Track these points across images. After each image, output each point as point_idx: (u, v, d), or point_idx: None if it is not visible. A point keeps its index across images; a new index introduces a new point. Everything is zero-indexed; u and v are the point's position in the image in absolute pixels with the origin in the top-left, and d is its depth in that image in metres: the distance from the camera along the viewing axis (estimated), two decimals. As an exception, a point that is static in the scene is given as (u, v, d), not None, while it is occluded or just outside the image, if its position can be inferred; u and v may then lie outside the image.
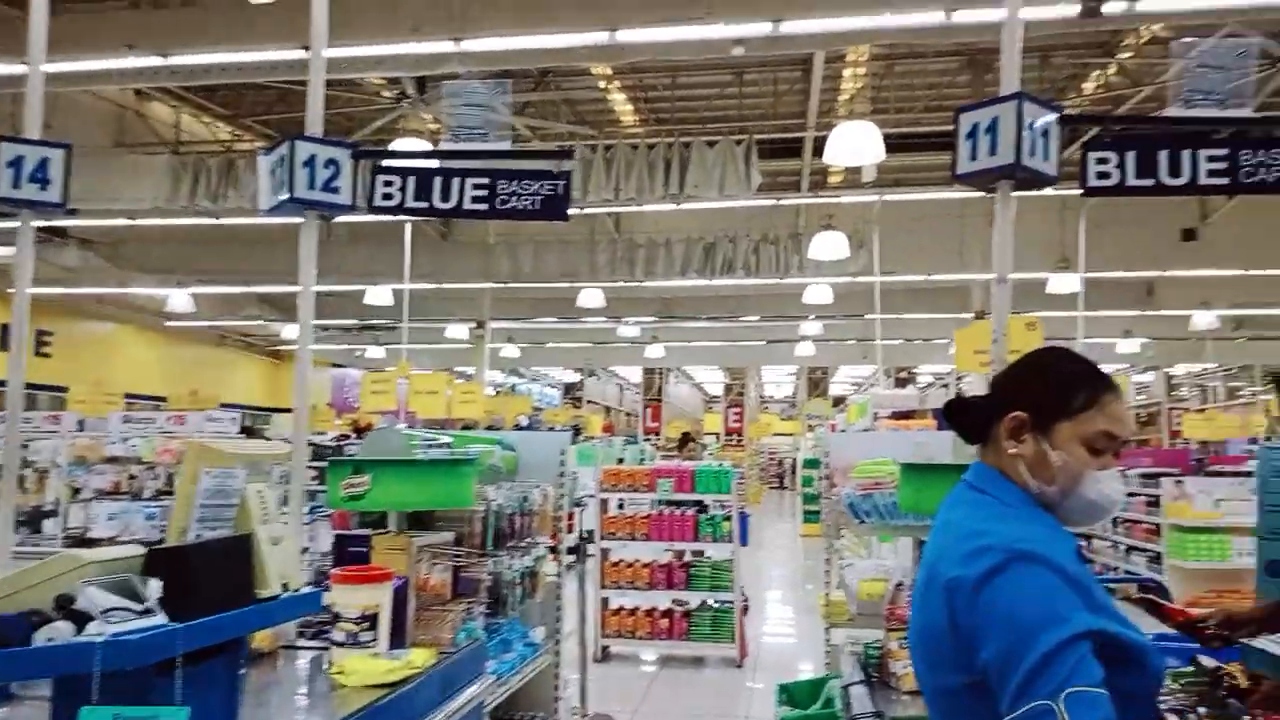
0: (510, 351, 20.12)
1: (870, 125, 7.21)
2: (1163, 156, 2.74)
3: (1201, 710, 2.00)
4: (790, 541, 16.74)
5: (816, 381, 27.56)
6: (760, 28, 7.42)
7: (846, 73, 12.35)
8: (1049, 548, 1.39)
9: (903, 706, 2.39)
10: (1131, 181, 2.77)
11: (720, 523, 7.05)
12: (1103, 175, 2.79)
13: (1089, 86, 12.25)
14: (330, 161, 3.16)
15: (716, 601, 7.17)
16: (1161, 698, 1.97)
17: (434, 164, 3.55)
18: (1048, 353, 1.63)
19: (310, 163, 3.12)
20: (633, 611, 7.17)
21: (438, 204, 3.31)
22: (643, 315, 18.53)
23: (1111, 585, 10.12)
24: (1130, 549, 10.11)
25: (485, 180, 3.32)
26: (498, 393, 21.20)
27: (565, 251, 15.90)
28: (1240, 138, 2.86)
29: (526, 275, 15.75)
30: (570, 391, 25.59)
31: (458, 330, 18.31)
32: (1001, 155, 2.61)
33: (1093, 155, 2.80)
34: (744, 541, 9.15)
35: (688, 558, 7.27)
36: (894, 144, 10.55)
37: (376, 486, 3.01)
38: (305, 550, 3.76)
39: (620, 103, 13.53)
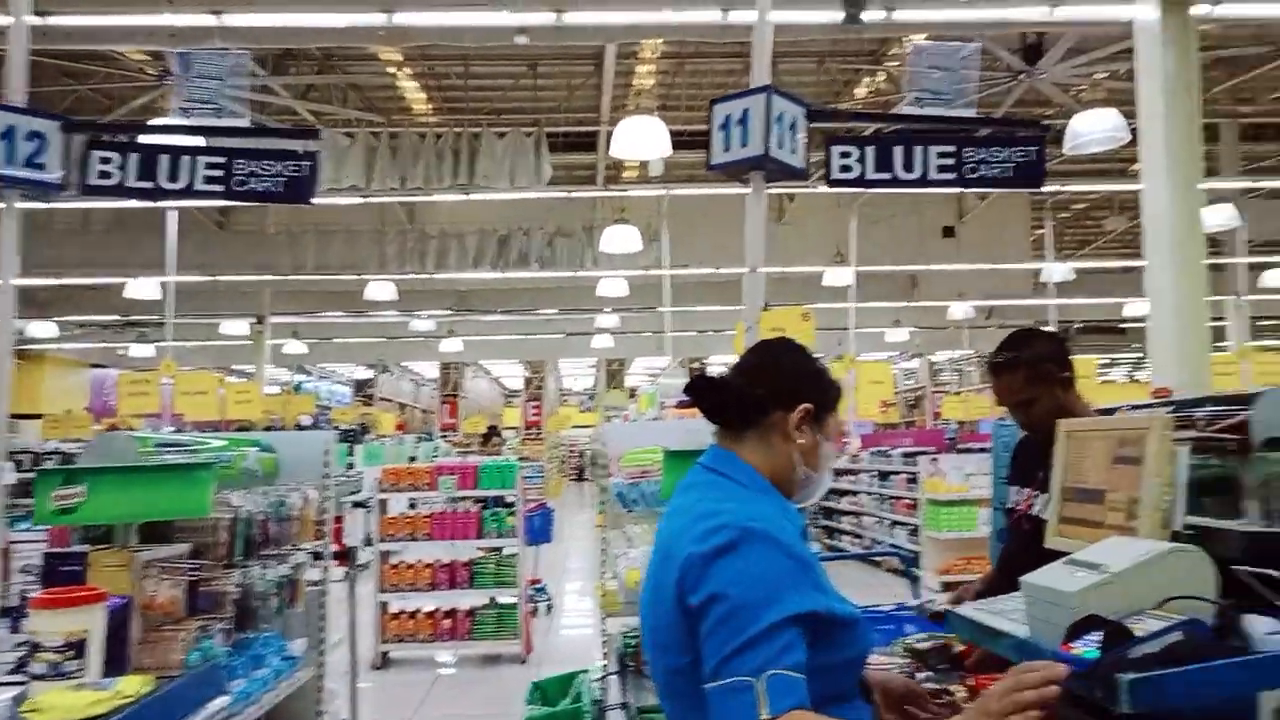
0: (295, 348, 19.10)
1: (656, 120, 7.30)
2: (898, 153, 2.91)
3: (920, 675, 2.12)
4: (588, 533, 16.88)
5: (614, 373, 27.93)
6: (544, 17, 7.36)
7: (639, 69, 12.52)
8: (779, 528, 1.45)
9: (653, 694, 2.40)
10: (871, 175, 2.92)
11: (505, 518, 6.95)
12: (845, 169, 2.92)
13: (860, 92, 13.02)
14: (34, 134, 2.81)
15: (502, 599, 7.07)
16: (884, 666, 2.08)
17: (170, 140, 3.24)
18: (798, 347, 1.71)
19: (9, 134, 2.76)
20: (413, 615, 6.94)
21: (165, 185, 3.01)
22: (437, 309, 18.07)
23: (876, 559, 10.87)
24: (894, 523, 10.88)
25: (220, 159, 3.06)
26: (281, 391, 20.07)
27: (352, 242, 15.24)
28: (965, 137, 3.07)
29: (310, 267, 14.98)
30: (362, 389, 24.62)
31: (236, 326, 17.16)
32: (752, 147, 2.67)
33: (835, 150, 2.93)
34: (547, 538, 9.08)
35: (473, 555, 7.13)
36: (684, 140, 10.80)
37: (94, 497, 2.71)
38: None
39: (411, 90, 13.10)
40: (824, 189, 12.57)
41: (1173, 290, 6.63)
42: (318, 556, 4.36)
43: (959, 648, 2.24)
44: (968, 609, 1.84)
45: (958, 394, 18.58)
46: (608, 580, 4.07)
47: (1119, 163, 14.54)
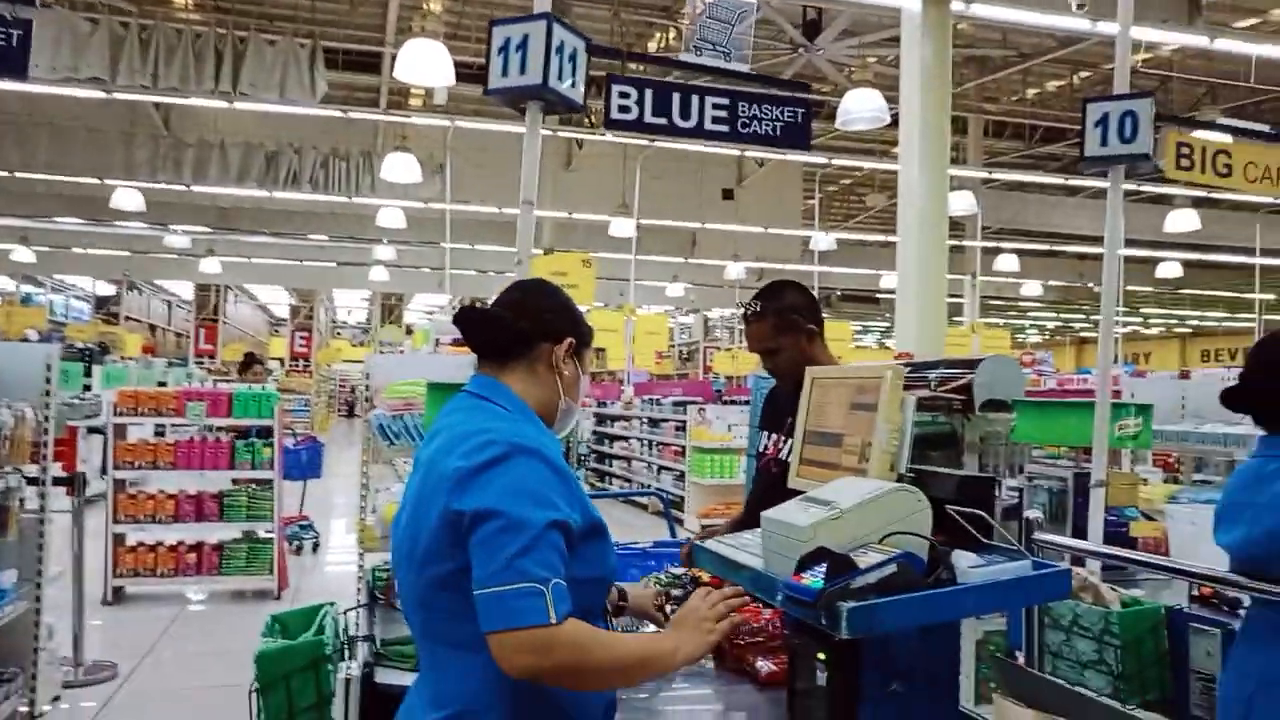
0: (23, 255, 16.97)
1: (440, 46, 7.00)
2: (676, 99, 2.93)
3: (669, 609, 2.20)
4: (357, 470, 16.33)
5: (391, 308, 26.97)
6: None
7: (427, -8, 11.95)
8: (545, 445, 1.54)
9: (402, 626, 2.35)
10: (649, 119, 2.92)
11: (260, 449, 6.56)
12: (624, 109, 2.90)
13: (652, 45, 13.11)
14: None
15: (256, 532, 6.70)
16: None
17: None
18: (555, 287, 1.80)
19: None
20: (153, 547, 6.44)
21: None
22: (195, 225, 16.63)
23: (642, 500, 11.26)
24: (661, 468, 11.29)
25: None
26: (2, 302, 17.83)
27: (95, 143, 13.68)
28: (740, 92, 3.14)
29: (41, 165, 13.30)
30: (104, 306, 22.32)
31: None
32: (530, 75, 2.59)
33: (615, 89, 2.90)
34: (316, 473, 8.67)
35: (224, 487, 6.69)
36: (471, 74, 10.45)
37: None
38: None
39: (168, -22, 11.85)
40: (611, 137, 12.57)
41: (918, 265, 7.22)
42: (34, 482, 3.93)
43: (707, 578, 2.35)
44: (712, 544, 1.91)
45: (728, 350, 19.46)
46: (368, 516, 3.94)
47: (882, 143, 15.58)
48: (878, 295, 22.49)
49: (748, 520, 2.48)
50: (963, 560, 1.53)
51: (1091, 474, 3.48)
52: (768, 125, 3.02)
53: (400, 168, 10.35)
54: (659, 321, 13.64)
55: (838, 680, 1.63)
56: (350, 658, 2.04)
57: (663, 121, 2.93)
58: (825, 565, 1.45)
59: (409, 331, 22.88)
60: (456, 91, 11.85)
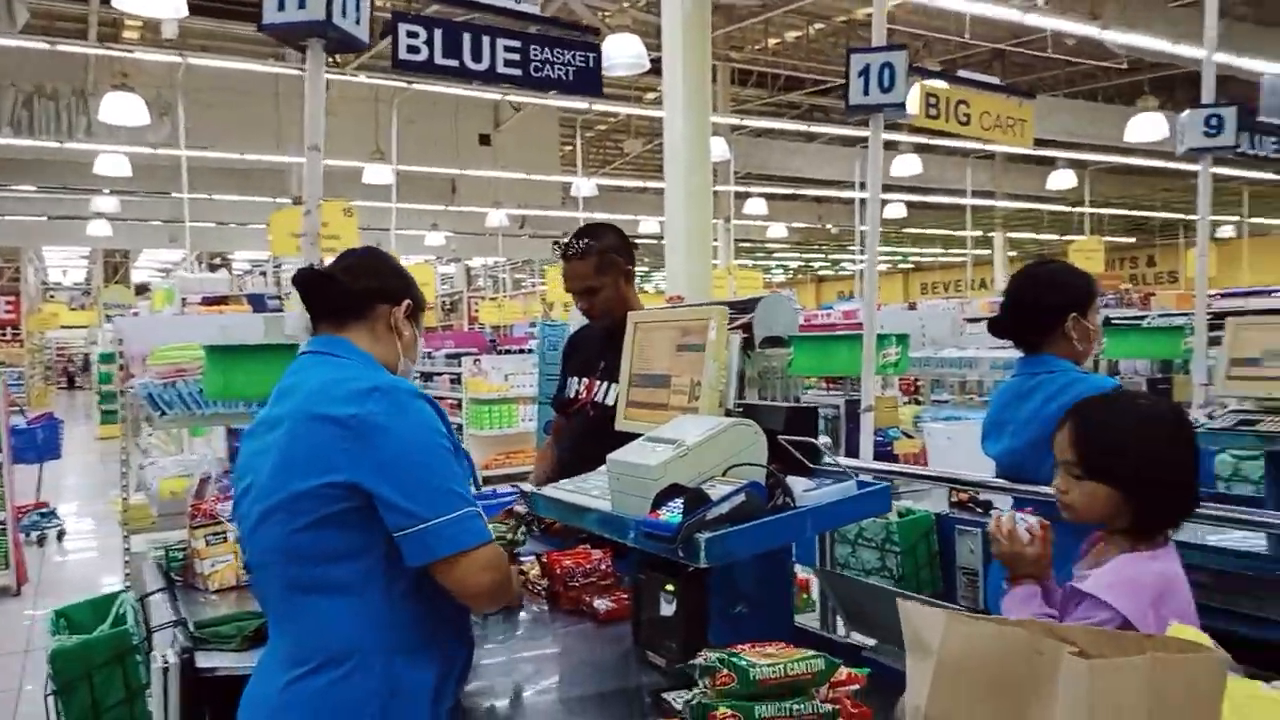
0: None
1: (168, -30, 6.31)
2: (466, 39, 2.83)
3: (517, 553, 2.22)
4: (85, 447, 14.77)
5: (116, 266, 24.36)
6: None
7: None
8: (417, 389, 1.61)
9: (212, 607, 2.19)
10: (440, 60, 2.81)
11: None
12: (413, 50, 2.78)
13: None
14: None
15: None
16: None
17: None
18: (389, 254, 1.90)
19: None
20: None
21: None
22: None
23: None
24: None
25: None
26: None
27: None
28: (531, 34, 3.09)
29: None
30: None
31: None
32: (312, 9, 2.41)
33: (403, 28, 2.77)
34: (55, 453, 7.72)
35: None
36: (203, 6, 9.52)
37: None
38: None
39: None
40: (364, 78, 11.94)
41: (685, 211, 7.46)
42: None
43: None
44: (552, 490, 1.93)
45: (494, 299, 19.26)
46: (133, 495, 3.60)
47: (637, 90, 15.86)
48: (637, 240, 23.01)
49: (570, 462, 2.51)
50: (798, 485, 1.65)
51: (861, 400, 3.80)
52: (560, 70, 2.99)
53: (121, 109, 9.27)
54: (425, 272, 13.29)
55: (688, 608, 1.71)
56: (161, 646, 1.89)
57: (454, 64, 2.83)
58: (680, 500, 1.51)
59: (140, 291, 20.82)
60: (186, 24, 10.76)
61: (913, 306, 15.23)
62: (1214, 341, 3.65)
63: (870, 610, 2.19)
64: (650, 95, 15.85)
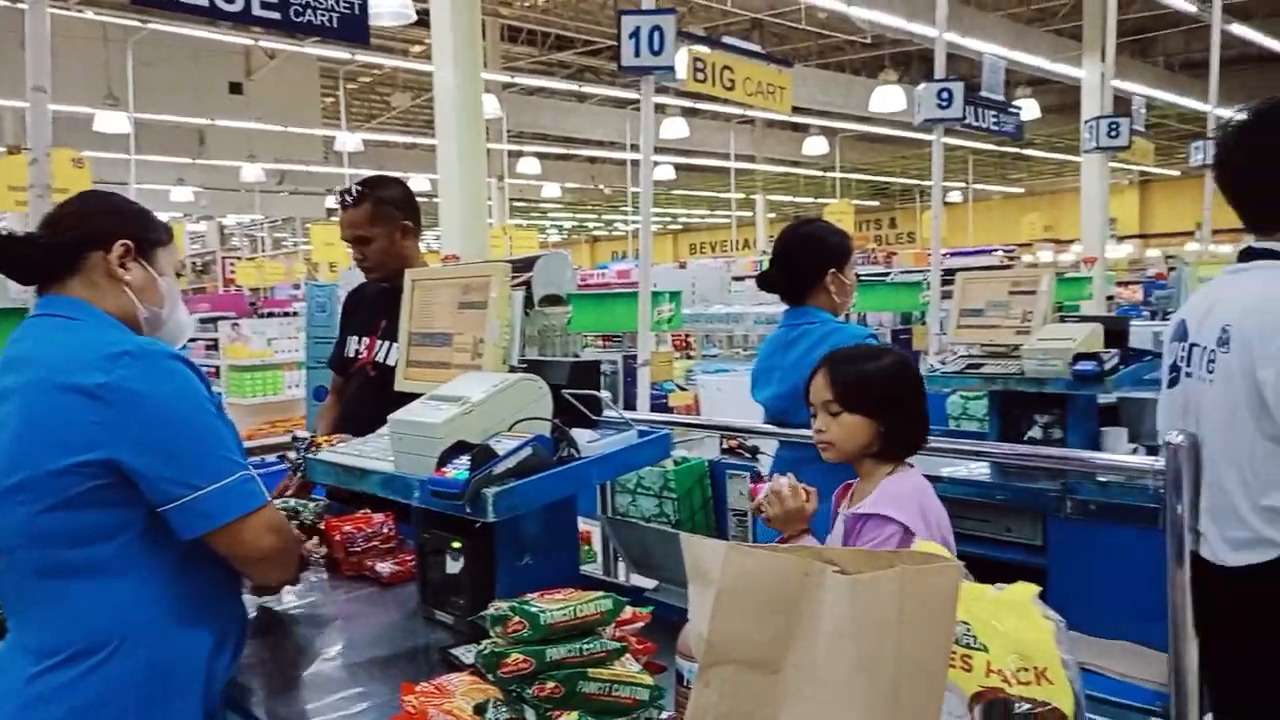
0: None
1: None
2: (217, -22, 2.62)
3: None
4: None
5: None
6: None
7: None
8: (165, 347, 1.49)
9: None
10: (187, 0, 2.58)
11: None
12: (157, -14, 2.53)
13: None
14: None
15: None
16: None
17: None
18: (108, 194, 1.70)
19: None
20: None
21: None
22: None
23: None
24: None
25: None
26: None
27: None
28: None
29: None
30: None
31: None
32: (33, -67, 2.15)
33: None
34: None
35: None
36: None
37: None
38: None
39: None
40: (91, 14, 10.75)
41: (459, 168, 7.31)
42: None
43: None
44: (328, 454, 1.87)
45: (252, 259, 18.04)
46: None
47: (403, 42, 15.27)
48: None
49: (345, 427, 2.43)
50: (582, 437, 1.69)
51: (638, 355, 3.92)
52: (324, 15, 2.83)
53: None
54: (174, 232, 12.16)
55: (475, 564, 1.72)
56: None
57: (203, 3, 2.61)
58: (466, 457, 1.51)
59: None
60: None
61: (683, 266, 15.78)
62: (946, 295, 4.05)
63: (652, 553, 2.29)
64: (417, 49, 15.29)
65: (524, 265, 2.71)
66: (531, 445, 1.55)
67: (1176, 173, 21.67)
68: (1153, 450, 2.52)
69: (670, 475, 3.10)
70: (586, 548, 3.93)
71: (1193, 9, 10.06)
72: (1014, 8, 15.77)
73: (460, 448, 1.54)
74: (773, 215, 26.38)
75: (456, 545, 1.75)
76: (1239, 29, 10.81)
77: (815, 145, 17.94)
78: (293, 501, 2.17)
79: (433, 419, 1.60)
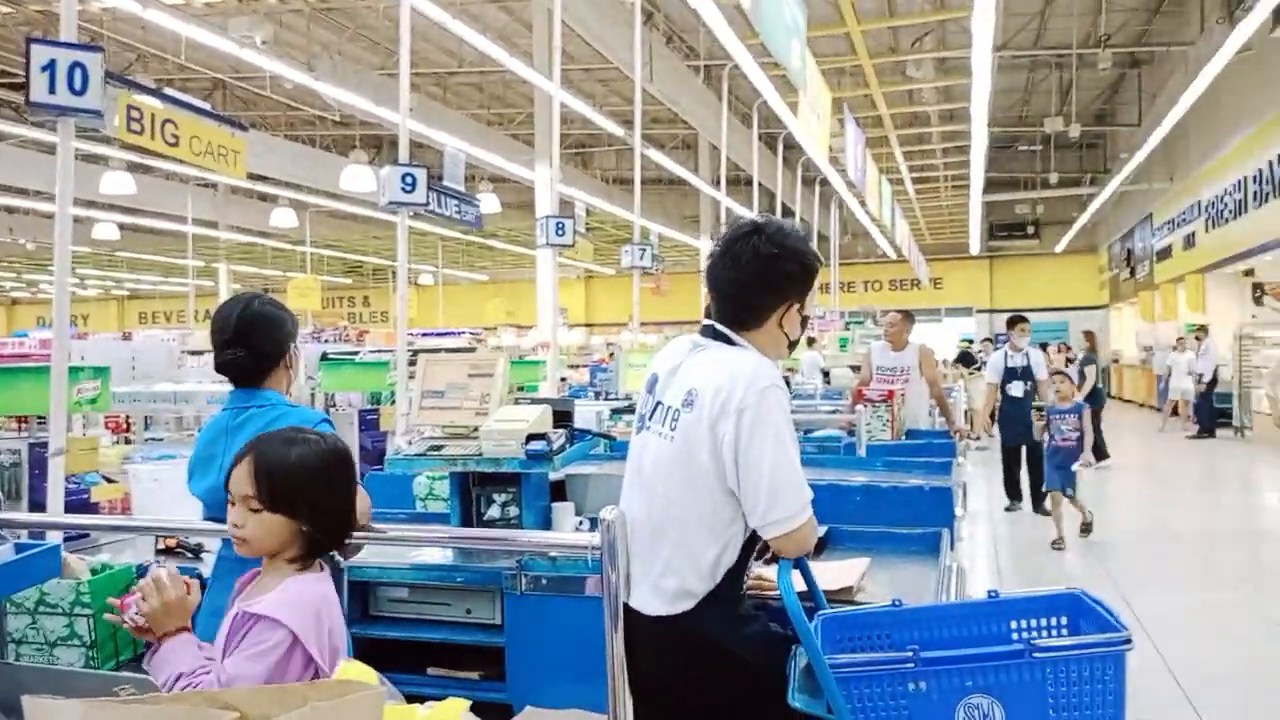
0: None
1: None
2: None
3: None
4: None
5: None
6: None
7: None
8: None
9: None
10: None
11: None
12: None
13: None
14: None
15: None
16: None
17: None
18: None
19: None
20: None
21: None
22: None
23: None
24: None
25: None
26: None
27: None
28: None
29: None
30: None
31: None
32: None
33: None
34: None
35: None
36: None
37: None
38: None
39: None
40: None
41: None
42: None
43: None
44: None
45: None
46: None
47: None
48: None
49: None
50: None
51: (50, 442, 3.28)
52: None
53: None
54: None
55: None
56: None
57: None
58: None
59: None
60: None
61: (128, 336, 13.95)
62: (413, 376, 4.04)
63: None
64: None
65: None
66: None
67: (612, 271, 24.85)
68: (595, 523, 2.73)
69: (84, 588, 2.60)
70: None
71: (620, 132, 11.71)
72: (477, 109, 16.98)
73: None
74: (238, 286, 24.73)
75: None
76: (655, 154, 12.81)
77: (284, 217, 17.29)
78: None
79: None
